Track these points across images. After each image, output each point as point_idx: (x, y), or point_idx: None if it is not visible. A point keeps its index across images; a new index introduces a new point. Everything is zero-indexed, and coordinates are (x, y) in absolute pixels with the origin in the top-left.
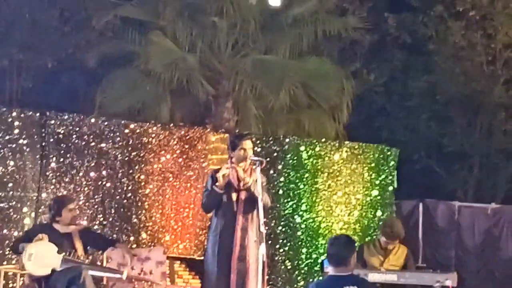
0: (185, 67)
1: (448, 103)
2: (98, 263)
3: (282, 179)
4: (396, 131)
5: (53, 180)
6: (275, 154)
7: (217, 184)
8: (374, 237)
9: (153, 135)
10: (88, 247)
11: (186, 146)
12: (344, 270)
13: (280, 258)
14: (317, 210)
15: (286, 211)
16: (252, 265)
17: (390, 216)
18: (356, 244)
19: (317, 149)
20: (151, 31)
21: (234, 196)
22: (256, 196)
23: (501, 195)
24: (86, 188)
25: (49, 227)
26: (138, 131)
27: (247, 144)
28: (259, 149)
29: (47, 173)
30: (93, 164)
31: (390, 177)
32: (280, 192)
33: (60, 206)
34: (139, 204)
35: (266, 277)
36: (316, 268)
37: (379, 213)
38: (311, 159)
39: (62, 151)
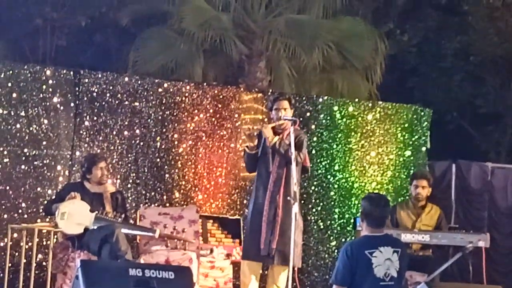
0: (218, 26)
1: (481, 64)
2: (131, 221)
3: (315, 139)
4: (429, 92)
5: (87, 139)
6: (308, 114)
7: (247, 144)
8: (407, 197)
9: (187, 94)
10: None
11: (219, 106)
12: (380, 231)
13: (312, 218)
14: (350, 170)
15: (319, 171)
16: (283, 225)
17: None
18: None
19: (351, 109)
20: None
21: (269, 156)
22: (282, 154)
23: None
24: (119, 147)
25: (81, 186)
26: (171, 90)
27: (280, 104)
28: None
29: (81, 132)
30: (126, 123)
31: (423, 138)
32: (313, 152)
33: (91, 164)
34: (172, 163)
35: None
36: (348, 228)
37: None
38: (344, 119)
39: (96, 110)
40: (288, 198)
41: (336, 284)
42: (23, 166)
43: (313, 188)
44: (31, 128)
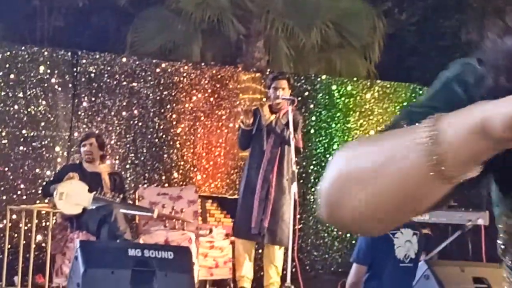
0: (216, 6)
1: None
2: (130, 202)
3: (313, 118)
4: (428, 70)
5: (85, 119)
6: (306, 93)
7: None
8: None
9: (185, 74)
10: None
11: (218, 85)
12: None
13: (311, 197)
14: None
15: (318, 150)
16: (275, 204)
17: None
18: None
19: (349, 88)
20: None
21: (264, 134)
22: (278, 133)
23: None
24: (117, 128)
25: (79, 167)
26: (169, 70)
27: (278, 83)
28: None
29: (79, 112)
30: (124, 104)
31: None
32: (312, 131)
33: (80, 141)
34: (171, 143)
35: (298, 216)
36: None
37: None
38: (342, 98)
39: (94, 91)
40: (287, 178)
41: (358, 263)
42: (21, 148)
43: (311, 167)
44: (29, 109)
